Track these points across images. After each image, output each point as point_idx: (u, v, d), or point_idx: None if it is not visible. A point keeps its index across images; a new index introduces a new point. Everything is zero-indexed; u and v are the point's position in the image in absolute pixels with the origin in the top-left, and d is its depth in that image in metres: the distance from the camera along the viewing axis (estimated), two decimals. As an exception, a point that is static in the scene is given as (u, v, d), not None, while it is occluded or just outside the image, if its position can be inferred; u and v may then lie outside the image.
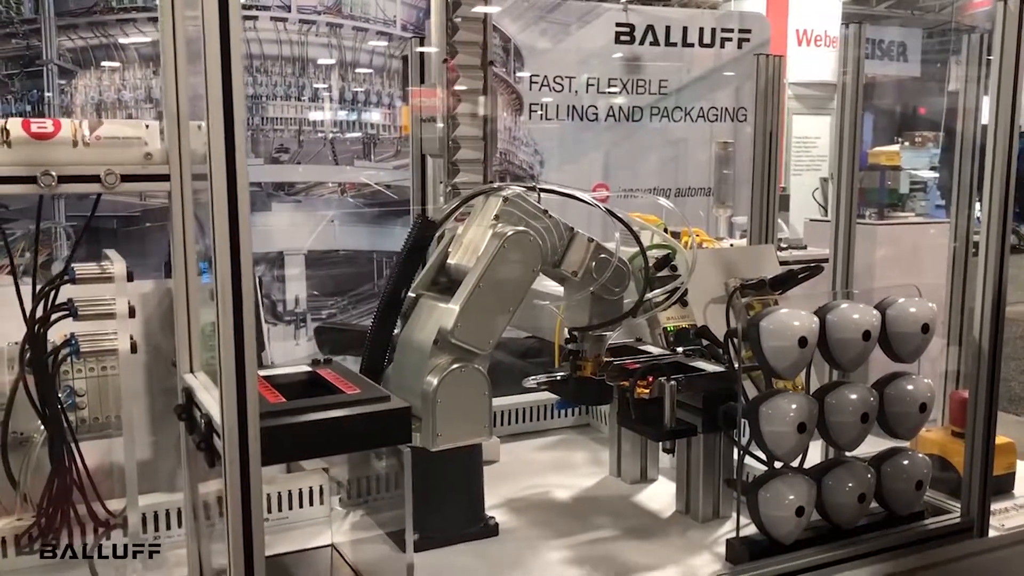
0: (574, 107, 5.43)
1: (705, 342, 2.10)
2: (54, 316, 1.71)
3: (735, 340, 1.89)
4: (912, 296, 1.97)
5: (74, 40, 4.50)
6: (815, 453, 1.98)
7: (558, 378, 1.98)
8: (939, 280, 2.34)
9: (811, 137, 9.92)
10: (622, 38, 5.45)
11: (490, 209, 1.78)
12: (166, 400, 1.87)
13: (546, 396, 2.51)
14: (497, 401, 2.49)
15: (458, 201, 1.87)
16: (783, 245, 4.87)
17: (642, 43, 5.48)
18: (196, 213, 1.67)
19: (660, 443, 2.15)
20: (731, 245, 4.11)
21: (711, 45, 5.64)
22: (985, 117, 2.06)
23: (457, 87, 2.13)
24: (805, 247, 5.20)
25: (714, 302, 2.06)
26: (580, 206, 1.89)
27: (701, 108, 5.74)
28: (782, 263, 2.70)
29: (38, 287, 1.73)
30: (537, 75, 5.30)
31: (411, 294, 1.79)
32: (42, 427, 1.78)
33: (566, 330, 1.94)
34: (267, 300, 4.80)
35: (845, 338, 1.87)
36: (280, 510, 2.05)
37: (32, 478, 1.82)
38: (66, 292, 1.72)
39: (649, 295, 1.95)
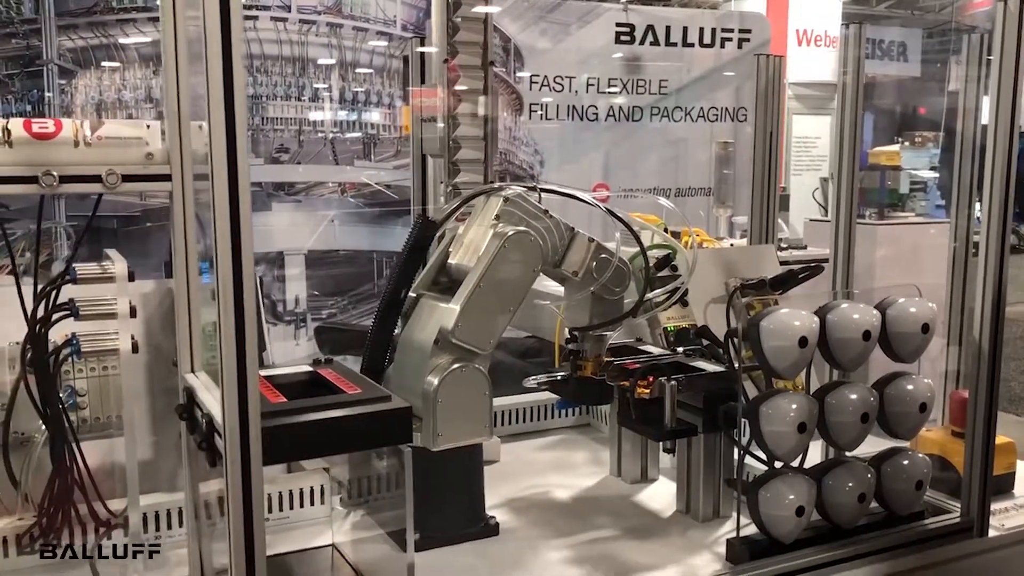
0: (574, 107, 5.43)
1: (705, 342, 2.11)
2: (55, 316, 1.71)
3: (735, 340, 1.90)
4: (912, 296, 1.97)
5: (74, 40, 4.50)
6: (815, 453, 1.98)
7: (558, 378, 1.98)
8: (939, 280, 2.34)
9: (811, 137, 9.93)
10: (622, 38, 5.44)
11: (491, 209, 1.78)
12: (167, 400, 1.87)
13: (546, 396, 2.51)
14: (498, 401, 2.50)
15: (459, 201, 1.87)
16: (783, 245, 4.86)
17: (642, 43, 5.48)
18: (197, 213, 1.68)
19: (660, 443, 2.15)
20: (731, 245, 4.10)
21: (711, 45, 5.64)
22: (985, 117, 2.06)
23: (458, 87, 2.13)
24: (805, 247, 5.19)
25: (714, 302, 2.06)
26: (580, 206, 1.89)
27: (701, 108, 5.73)
28: (782, 263, 2.70)
29: (39, 287, 1.73)
30: (537, 75, 5.30)
31: (412, 294, 1.79)
32: (43, 427, 1.78)
33: (566, 330, 1.94)
34: (267, 300, 4.80)
35: (845, 338, 1.87)
36: (281, 510, 2.05)
37: (33, 478, 1.81)
38: (67, 292, 1.72)
39: (649, 295, 1.95)
